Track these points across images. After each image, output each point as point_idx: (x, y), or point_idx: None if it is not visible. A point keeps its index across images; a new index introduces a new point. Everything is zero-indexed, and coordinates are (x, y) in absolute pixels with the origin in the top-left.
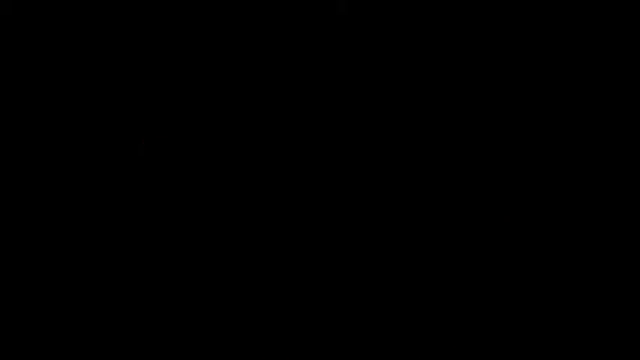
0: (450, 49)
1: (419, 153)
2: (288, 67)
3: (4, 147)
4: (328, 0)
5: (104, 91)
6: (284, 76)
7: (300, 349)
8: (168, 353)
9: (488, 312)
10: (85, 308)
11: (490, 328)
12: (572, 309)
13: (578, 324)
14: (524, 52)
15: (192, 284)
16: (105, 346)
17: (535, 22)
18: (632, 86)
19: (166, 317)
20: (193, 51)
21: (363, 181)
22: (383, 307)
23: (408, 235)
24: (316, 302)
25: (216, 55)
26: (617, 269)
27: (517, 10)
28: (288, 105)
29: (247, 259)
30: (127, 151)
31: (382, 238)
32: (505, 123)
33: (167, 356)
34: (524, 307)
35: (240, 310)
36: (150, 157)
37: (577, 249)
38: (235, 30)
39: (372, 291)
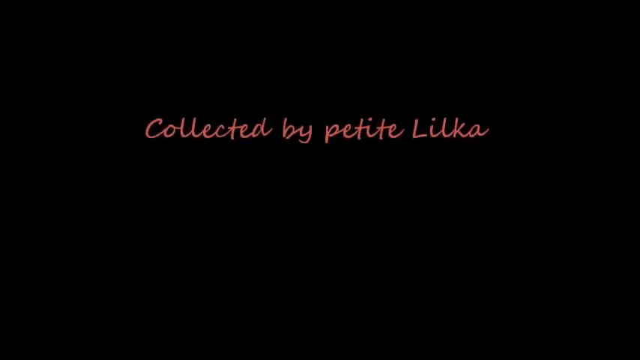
0: (449, 50)
1: (417, 151)
2: (288, 67)
3: (4, 147)
4: (328, 0)
5: (104, 91)
6: (284, 76)
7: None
8: (167, 353)
9: (488, 312)
10: (84, 308)
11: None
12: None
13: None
14: (523, 53)
15: (191, 283)
16: (104, 346)
17: (535, 22)
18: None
19: (165, 315)
20: (193, 51)
21: (361, 179)
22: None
23: (406, 233)
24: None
25: (217, 55)
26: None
27: (517, 10)
28: (287, 104)
29: (246, 257)
30: (126, 151)
31: (380, 236)
32: (504, 124)
33: (166, 356)
34: (524, 307)
35: (240, 310)
36: (151, 157)
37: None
38: (235, 30)
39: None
